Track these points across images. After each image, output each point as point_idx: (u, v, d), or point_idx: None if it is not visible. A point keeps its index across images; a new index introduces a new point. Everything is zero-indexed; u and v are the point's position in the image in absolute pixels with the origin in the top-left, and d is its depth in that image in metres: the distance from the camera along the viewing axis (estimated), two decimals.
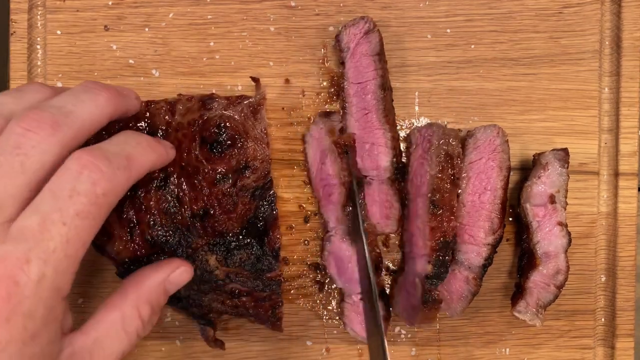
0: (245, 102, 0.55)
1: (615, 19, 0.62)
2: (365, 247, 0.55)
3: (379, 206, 0.59)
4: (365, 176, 0.59)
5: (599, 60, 0.62)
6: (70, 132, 0.43)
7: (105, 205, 0.42)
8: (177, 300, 0.56)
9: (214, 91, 0.61)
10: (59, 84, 0.61)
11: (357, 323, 0.58)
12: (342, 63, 0.59)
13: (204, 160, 0.54)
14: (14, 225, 0.40)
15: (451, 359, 0.63)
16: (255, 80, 0.59)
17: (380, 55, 0.58)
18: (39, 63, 0.61)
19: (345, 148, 0.56)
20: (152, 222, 0.53)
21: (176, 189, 0.54)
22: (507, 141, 0.57)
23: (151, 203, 0.54)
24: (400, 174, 0.60)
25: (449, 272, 0.56)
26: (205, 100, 0.55)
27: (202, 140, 0.54)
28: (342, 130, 0.60)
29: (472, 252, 0.57)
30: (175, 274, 0.51)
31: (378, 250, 0.57)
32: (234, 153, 0.55)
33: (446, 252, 0.55)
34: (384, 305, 0.58)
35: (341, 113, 0.61)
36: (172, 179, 0.54)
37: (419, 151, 0.59)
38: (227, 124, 0.55)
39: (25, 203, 0.41)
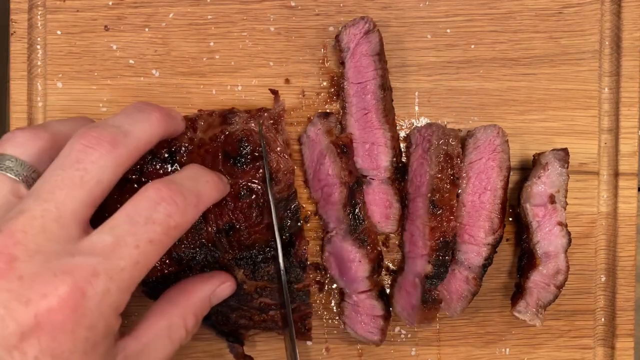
0: (265, 115, 0.56)
1: (615, 19, 0.62)
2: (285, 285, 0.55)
3: (379, 206, 0.59)
4: (365, 176, 0.59)
5: (599, 60, 0.62)
6: (126, 150, 0.44)
7: (174, 237, 0.44)
8: (206, 317, 0.56)
9: (214, 91, 0.61)
10: (59, 84, 0.61)
11: (357, 323, 0.58)
12: (342, 63, 0.59)
13: (227, 176, 0.54)
14: (87, 239, 0.41)
15: (451, 359, 0.63)
16: (274, 92, 0.60)
17: (380, 55, 0.58)
18: (39, 63, 0.61)
19: (344, 147, 0.56)
20: (178, 240, 0.53)
21: None
22: (507, 141, 0.57)
23: None
24: (400, 173, 0.60)
25: (449, 272, 0.56)
26: (227, 115, 0.56)
27: (224, 154, 0.54)
28: (343, 130, 0.60)
29: (472, 252, 0.57)
30: (222, 287, 0.53)
31: (379, 249, 0.57)
32: (257, 166, 0.55)
33: (446, 252, 0.55)
34: (384, 305, 0.58)
35: (340, 113, 0.61)
36: None
37: (419, 151, 0.59)
38: (250, 137, 0.55)
39: (84, 217, 0.42)
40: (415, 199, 0.58)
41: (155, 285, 0.54)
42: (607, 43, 0.62)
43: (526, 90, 0.62)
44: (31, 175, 0.45)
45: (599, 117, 0.62)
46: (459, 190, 0.57)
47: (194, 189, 0.46)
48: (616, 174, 0.62)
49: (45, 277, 0.38)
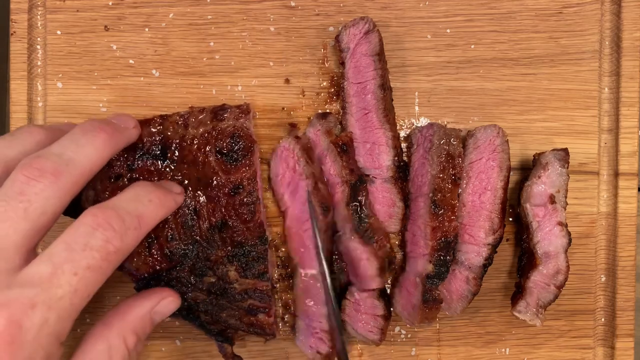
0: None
1: (615, 19, 0.62)
2: (327, 274, 0.55)
3: (382, 205, 0.59)
4: (367, 175, 0.59)
5: (599, 60, 0.62)
6: (71, 179, 0.45)
7: (114, 261, 0.44)
8: (195, 318, 0.56)
9: (214, 92, 0.61)
10: (59, 84, 0.61)
11: (357, 321, 0.58)
12: (342, 63, 0.59)
13: (220, 172, 0.54)
14: (25, 271, 0.41)
15: (451, 359, 0.63)
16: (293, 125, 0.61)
17: (380, 55, 0.58)
18: (39, 63, 0.61)
19: (344, 146, 0.56)
20: (170, 236, 0.53)
21: (193, 202, 0.54)
22: (507, 141, 0.57)
23: (169, 217, 0.54)
24: (402, 173, 0.60)
25: (449, 272, 0.56)
26: (217, 111, 0.55)
27: (217, 151, 0.54)
28: (343, 130, 0.60)
29: (473, 252, 0.57)
30: (162, 303, 0.52)
31: (388, 246, 0.57)
32: (249, 162, 0.55)
33: (447, 252, 0.55)
34: (385, 305, 0.58)
35: (340, 113, 0.61)
36: (188, 192, 0.54)
37: (420, 151, 0.59)
38: (241, 133, 0.55)
39: (28, 248, 0.43)
40: (416, 198, 0.58)
41: (148, 282, 0.54)
42: (607, 43, 0.62)
43: (526, 90, 0.62)
44: None
45: (599, 117, 0.62)
46: (460, 190, 0.57)
47: (134, 211, 0.47)
48: (616, 174, 0.62)
49: None
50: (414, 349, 0.63)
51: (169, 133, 0.55)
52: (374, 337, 0.58)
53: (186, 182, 0.55)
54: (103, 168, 0.50)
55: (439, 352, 0.63)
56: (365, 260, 0.56)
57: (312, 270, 0.57)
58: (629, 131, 0.62)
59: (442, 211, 0.55)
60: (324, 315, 0.57)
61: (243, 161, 0.55)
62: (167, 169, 0.55)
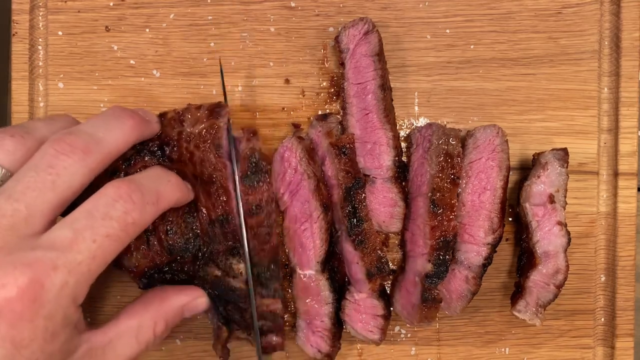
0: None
1: (614, 19, 0.62)
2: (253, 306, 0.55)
3: (384, 205, 0.59)
4: (368, 175, 0.59)
5: (598, 60, 0.62)
6: (99, 157, 0.47)
7: (132, 232, 0.46)
8: (219, 298, 0.56)
9: (214, 92, 0.61)
10: (60, 85, 0.61)
11: (357, 321, 0.58)
12: (342, 64, 0.60)
13: (220, 169, 0.54)
14: (48, 234, 0.43)
15: (451, 358, 0.63)
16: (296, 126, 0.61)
17: (380, 56, 0.58)
18: (40, 64, 0.62)
19: (343, 149, 0.56)
20: (169, 231, 0.54)
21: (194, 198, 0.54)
22: (506, 141, 0.57)
23: (167, 212, 0.54)
24: (402, 172, 0.60)
25: (449, 272, 0.56)
26: (214, 109, 0.56)
27: (216, 148, 0.55)
28: (344, 131, 0.60)
29: (472, 251, 0.57)
30: (197, 301, 0.54)
31: (378, 252, 0.57)
32: (268, 184, 0.55)
33: (446, 252, 0.55)
34: (385, 305, 0.58)
35: (341, 114, 0.61)
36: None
37: (420, 151, 0.59)
38: (258, 155, 0.55)
39: (51, 218, 0.44)
40: (416, 198, 0.58)
41: (152, 276, 0.54)
42: (606, 43, 0.62)
43: (526, 90, 0.62)
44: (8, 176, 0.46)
45: (598, 117, 0.62)
46: (459, 190, 0.57)
47: (153, 188, 0.48)
48: (616, 174, 0.62)
49: (6, 269, 0.40)
50: (413, 349, 0.63)
51: (167, 130, 0.55)
52: (374, 337, 0.58)
53: (185, 177, 0.55)
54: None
55: (439, 351, 0.63)
56: (355, 264, 0.56)
57: (310, 270, 0.57)
58: (629, 131, 0.62)
59: (441, 211, 0.55)
60: (326, 314, 0.58)
61: (262, 183, 0.55)
62: (166, 164, 0.55)
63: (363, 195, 0.56)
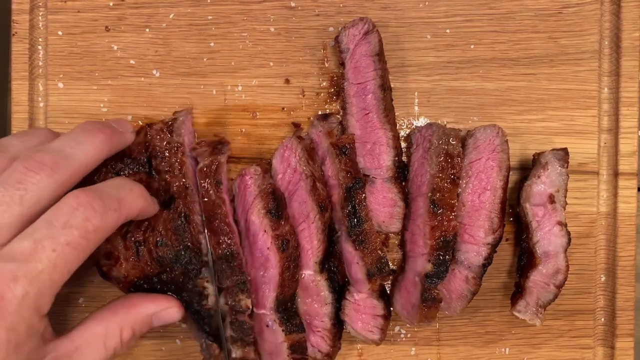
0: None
1: (614, 19, 0.62)
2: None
3: (384, 205, 0.59)
4: (367, 175, 0.59)
5: (599, 60, 0.62)
6: (67, 173, 0.47)
7: (93, 240, 0.46)
8: (194, 315, 0.56)
9: (214, 92, 0.61)
10: (60, 85, 0.61)
11: (357, 321, 0.58)
12: (342, 64, 0.60)
13: (218, 204, 0.54)
14: (7, 247, 0.43)
15: (451, 358, 0.63)
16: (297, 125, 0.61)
17: (380, 56, 0.58)
18: (40, 64, 0.62)
19: (343, 149, 0.56)
20: (159, 242, 0.54)
21: (183, 208, 0.54)
22: (506, 141, 0.57)
23: (158, 223, 0.54)
24: (402, 173, 0.60)
25: (449, 272, 0.56)
26: (216, 146, 0.57)
27: (216, 184, 0.55)
28: (344, 130, 0.60)
29: (472, 251, 0.57)
30: (167, 310, 0.54)
31: (379, 253, 0.56)
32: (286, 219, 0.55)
33: (446, 252, 0.55)
34: (385, 305, 0.58)
35: (341, 114, 0.61)
36: (177, 200, 0.55)
37: (420, 151, 0.59)
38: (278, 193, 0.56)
39: (18, 232, 0.45)
40: (416, 198, 0.58)
41: (141, 286, 0.55)
42: (606, 43, 0.62)
43: (526, 90, 0.62)
44: None
45: (598, 117, 0.62)
46: (459, 190, 0.57)
47: (115, 195, 0.49)
48: (616, 174, 0.62)
49: None
50: (413, 349, 0.63)
51: (155, 141, 0.56)
52: (374, 337, 0.58)
53: (175, 188, 0.55)
54: (90, 176, 0.52)
55: (439, 351, 0.63)
56: (355, 264, 0.56)
57: (309, 270, 0.57)
58: (629, 131, 0.62)
59: (441, 211, 0.55)
60: (326, 314, 0.58)
61: (283, 217, 0.55)
62: (155, 177, 0.55)
63: (363, 195, 0.56)
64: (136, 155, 0.56)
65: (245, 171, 0.57)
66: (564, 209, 0.57)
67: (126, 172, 0.55)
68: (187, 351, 0.62)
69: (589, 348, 0.63)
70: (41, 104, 0.61)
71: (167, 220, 0.54)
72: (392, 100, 0.60)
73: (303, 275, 0.57)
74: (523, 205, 0.57)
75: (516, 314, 0.57)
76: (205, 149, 0.56)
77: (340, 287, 0.59)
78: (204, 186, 0.54)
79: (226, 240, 0.54)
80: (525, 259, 0.58)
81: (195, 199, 0.56)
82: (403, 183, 0.60)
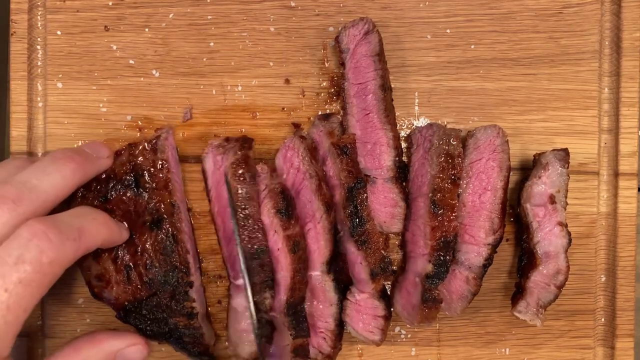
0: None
1: (615, 19, 0.62)
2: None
3: (385, 205, 0.59)
4: (368, 176, 0.59)
5: (599, 60, 0.62)
6: (32, 205, 0.46)
7: (50, 274, 0.44)
8: (177, 340, 0.56)
9: (214, 92, 0.61)
10: (59, 85, 0.61)
11: (358, 322, 0.58)
12: (343, 64, 0.59)
13: (255, 200, 0.55)
14: None
15: (451, 359, 0.63)
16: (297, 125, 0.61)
17: (380, 56, 0.58)
18: (39, 63, 0.61)
19: (344, 149, 0.56)
20: (148, 265, 0.54)
21: (170, 228, 0.54)
22: (507, 141, 0.57)
23: (147, 245, 0.54)
24: (403, 173, 0.59)
25: (450, 272, 0.56)
26: (244, 142, 0.57)
27: (250, 178, 0.55)
28: (344, 131, 0.60)
29: (473, 252, 0.57)
30: (132, 348, 0.53)
31: (382, 252, 0.56)
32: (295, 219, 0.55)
33: (446, 252, 0.55)
34: (386, 305, 0.58)
35: (341, 114, 0.61)
36: (165, 219, 0.55)
37: (420, 151, 0.59)
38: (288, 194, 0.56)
39: None
40: (416, 198, 0.58)
41: (130, 309, 0.55)
42: (607, 43, 0.62)
43: (526, 90, 0.62)
44: None
45: (598, 117, 0.62)
46: (460, 190, 0.57)
47: (75, 224, 0.47)
48: (616, 174, 0.62)
49: None
50: (413, 349, 0.63)
51: (139, 160, 0.55)
52: (375, 338, 0.58)
53: (163, 207, 0.55)
54: (77, 201, 0.52)
55: (439, 352, 0.63)
56: (358, 265, 0.56)
57: (316, 272, 0.57)
58: (629, 131, 0.62)
59: (441, 211, 0.55)
60: (331, 315, 0.57)
61: (293, 217, 0.55)
62: (142, 197, 0.55)
63: (365, 195, 0.56)
64: (121, 176, 0.55)
65: None
66: (565, 209, 0.57)
67: (113, 194, 0.55)
68: None
69: (589, 348, 0.63)
70: (40, 104, 0.61)
71: (156, 241, 0.54)
72: (392, 100, 0.60)
73: (309, 276, 0.57)
74: (524, 205, 0.57)
75: (517, 314, 0.57)
76: (233, 145, 0.56)
77: (344, 288, 0.59)
78: (237, 180, 0.54)
79: (258, 236, 0.54)
80: (526, 259, 0.58)
81: (183, 217, 0.56)
82: (404, 183, 0.60)
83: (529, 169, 0.59)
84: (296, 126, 0.61)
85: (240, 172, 0.54)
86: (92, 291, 0.55)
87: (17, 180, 0.47)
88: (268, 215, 0.55)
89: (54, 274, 0.44)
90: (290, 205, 0.55)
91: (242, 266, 0.54)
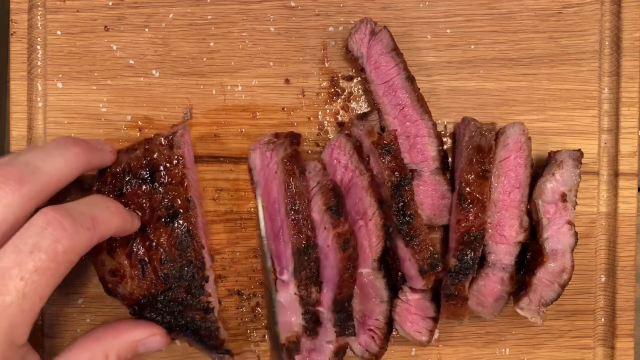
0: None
1: (615, 19, 0.62)
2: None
3: (432, 198, 0.59)
4: (414, 170, 0.59)
5: (599, 60, 0.62)
6: (35, 187, 0.45)
7: (65, 262, 0.44)
8: (194, 333, 0.56)
9: (214, 92, 0.61)
10: (59, 85, 0.61)
11: (406, 321, 0.58)
12: (362, 69, 0.59)
13: (305, 195, 0.55)
14: None
15: (451, 359, 0.63)
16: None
17: (396, 50, 0.58)
18: (39, 63, 0.61)
19: (387, 147, 0.55)
20: (163, 259, 0.54)
21: (185, 223, 0.54)
22: (529, 138, 0.58)
23: (161, 239, 0.54)
24: (445, 163, 0.60)
25: (482, 276, 0.56)
26: (293, 138, 0.57)
27: (300, 173, 0.55)
28: (383, 129, 0.60)
29: (504, 252, 0.57)
30: (152, 338, 0.53)
31: (430, 249, 0.55)
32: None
33: (471, 248, 0.55)
34: (436, 307, 0.58)
35: (350, 111, 0.61)
36: (180, 213, 0.55)
37: (459, 146, 0.59)
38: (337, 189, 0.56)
39: None
40: (454, 193, 0.58)
41: (145, 305, 0.55)
42: (607, 43, 0.62)
43: (526, 90, 0.62)
44: None
45: (599, 117, 0.62)
46: (490, 187, 0.57)
47: (88, 213, 0.46)
48: (616, 174, 0.62)
49: None
50: (414, 349, 0.63)
51: (155, 156, 0.55)
52: (422, 338, 0.58)
53: (179, 202, 0.55)
54: (92, 194, 0.51)
55: (439, 352, 0.63)
56: (407, 261, 0.56)
57: (367, 269, 0.57)
58: (629, 131, 0.62)
59: (468, 205, 0.55)
60: (381, 312, 0.57)
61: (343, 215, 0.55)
62: (158, 191, 0.55)
63: (411, 191, 0.55)
64: (137, 171, 0.55)
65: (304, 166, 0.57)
66: (574, 208, 0.57)
67: (128, 188, 0.55)
68: (187, 351, 0.62)
69: (589, 348, 0.63)
70: (40, 104, 0.61)
71: (171, 235, 0.54)
72: (419, 88, 0.60)
73: (360, 273, 0.57)
74: (535, 201, 0.57)
75: (518, 310, 0.57)
76: (283, 140, 0.57)
77: (394, 285, 0.59)
78: (287, 174, 0.55)
79: (307, 232, 0.54)
80: (531, 255, 0.58)
81: (198, 212, 0.56)
82: (447, 174, 0.60)
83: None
84: (340, 125, 0.61)
85: (292, 167, 0.55)
86: (106, 287, 0.55)
87: (20, 162, 0.46)
88: (319, 212, 0.55)
89: (68, 262, 0.44)
90: (341, 202, 0.55)
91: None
